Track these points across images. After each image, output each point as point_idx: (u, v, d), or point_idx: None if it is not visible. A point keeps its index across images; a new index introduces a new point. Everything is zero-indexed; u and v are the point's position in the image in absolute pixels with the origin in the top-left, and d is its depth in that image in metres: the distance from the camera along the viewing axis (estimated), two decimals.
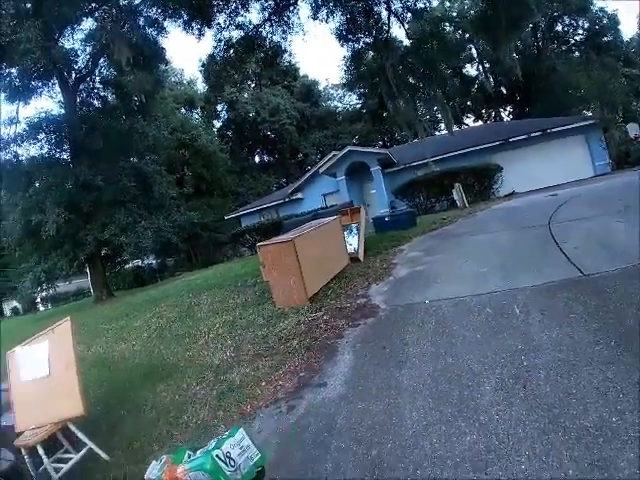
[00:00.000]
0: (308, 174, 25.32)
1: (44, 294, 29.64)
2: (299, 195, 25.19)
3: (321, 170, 22.48)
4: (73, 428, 3.91)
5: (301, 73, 46.83)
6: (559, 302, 4.37)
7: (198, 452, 1.49)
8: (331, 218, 9.16)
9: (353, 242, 9.32)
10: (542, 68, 32.40)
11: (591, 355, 3.29)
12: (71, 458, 3.88)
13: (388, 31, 14.19)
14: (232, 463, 1.35)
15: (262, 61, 16.95)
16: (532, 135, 19.44)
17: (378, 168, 20.82)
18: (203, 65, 18.58)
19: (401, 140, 37.51)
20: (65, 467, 3.77)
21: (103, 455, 3.88)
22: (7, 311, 49.04)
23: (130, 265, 29.01)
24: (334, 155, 22.24)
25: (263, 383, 4.47)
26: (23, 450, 3.67)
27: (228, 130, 43.27)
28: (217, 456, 1.36)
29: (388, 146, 37.62)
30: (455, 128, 38.48)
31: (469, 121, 42.88)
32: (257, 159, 47.54)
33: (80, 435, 3.91)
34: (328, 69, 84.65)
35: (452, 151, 20.38)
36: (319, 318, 5.96)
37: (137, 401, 4.99)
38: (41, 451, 3.65)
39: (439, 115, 33.82)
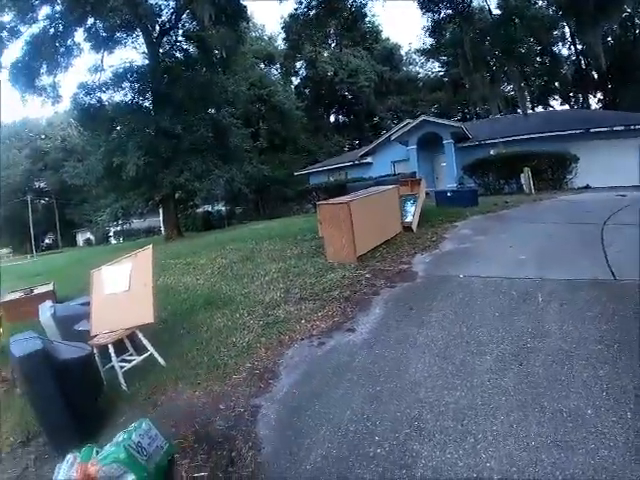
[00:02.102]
0: (380, 139, 25.25)
1: (118, 228, 32.38)
2: (369, 159, 25.19)
3: (393, 137, 22.39)
4: (140, 335, 4.73)
5: (383, 36, 45.60)
6: (581, 298, 4.58)
7: (106, 447, 1.46)
8: (390, 187, 9.55)
9: (409, 212, 9.68)
10: (637, 57, 29.68)
11: (591, 352, 3.54)
12: (134, 360, 4.70)
13: (470, 4, 13.79)
14: (144, 452, 1.39)
15: (342, 24, 16.98)
16: (615, 129, 18.15)
17: (451, 141, 20.42)
18: (284, 22, 18.88)
19: (482, 115, 36.02)
20: (128, 366, 4.57)
21: (160, 360, 4.68)
22: (80, 242, 53.78)
23: (201, 209, 30.93)
24: (408, 123, 22.04)
25: (303, 321, 5.15)
26: (95, 349, 4.43)
27: (305, 88, 43.29)
28: (129, 446, 1.38)
29: (468, 119, 36.36)
30: (539, 109, 36.46)
31: (555, 103, 40.21)
32: (332, 119, 47.34)
33: (145, 342, 4.71)
34: (411, 33, 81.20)
35: (528, 133, 19.49)
36: (362, 275, 6.53)
37: (195, 323, 5.83)
38: (111, 350, 4.42)
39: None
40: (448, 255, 7.28)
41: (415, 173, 18.69)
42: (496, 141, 19.55)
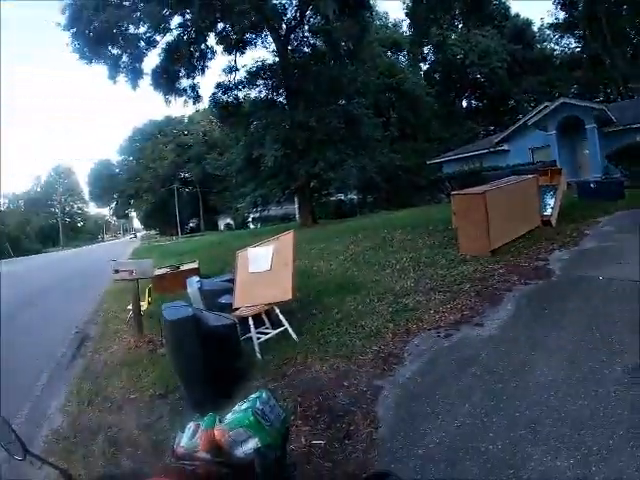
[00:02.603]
0: (516, 125, 23.49)
1: (256, 215, 34.78)
2: (505, 146, 23.50)
3: (530, 122, 20.70)
4: (277, 311, 5.13)
5: (512, 13, 41.84)
6: None
7: (228, 415, 1.48)
8: (528, 176, 9.03)
9: (548, 205, 9.06)
10: None
11: None
12: (269, 333, 5.11)
13: None
14: (267, 419, 1.40)
15: (468, 4, 16.11)
16: None
17: (594, 126, 18.27)
18: (408, 8, 18.43)
19: (627, 95, 31.56)
20: (264, 337, 4.99)
21: (294, 335, 5.02)
22: (221, 226, 59.01)
23: (334, 198, 31.88)
24: (546, 106, 20.28)
25: (431, 311, 5.16)
26: (236, 320, 4.84)
27: (435, 73, 41.77)
28: (255, 412, 1.40)
29: (611, 100, 32.13)
30: None
31: None
32: (464, 104, 45.17)
33: (281, 317, 5.09)
34: (542, 7, 73.32)
35: None
36: (495, 270, 6.32)
37: (327, 305, 6.14)
38: (251, 322, 4.86)
39: None
40: (588, 254, 6.76)
41: (555, 162, 17.13)
42: None
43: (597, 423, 2.81)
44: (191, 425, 1.49)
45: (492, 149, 23.91)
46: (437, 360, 4.02)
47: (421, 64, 42.31)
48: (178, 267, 9.62)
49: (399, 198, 30.19)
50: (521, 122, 22.89)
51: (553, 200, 9.05)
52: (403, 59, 40.89)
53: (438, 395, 3.44)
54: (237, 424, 1.38)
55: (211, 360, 3.97)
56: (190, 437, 1.42)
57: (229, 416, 1.45)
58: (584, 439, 2.68)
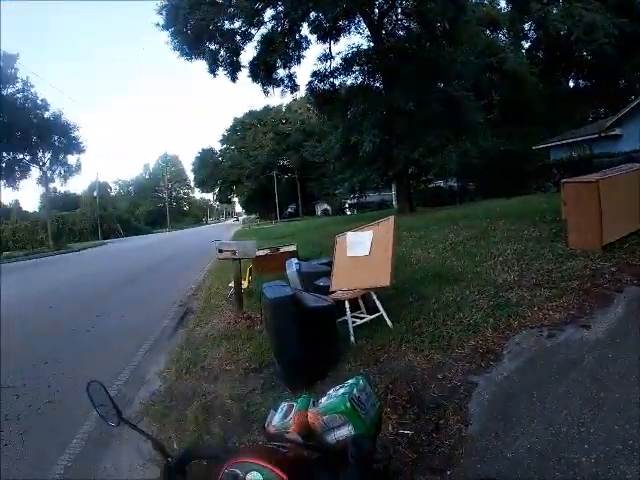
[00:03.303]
0: (629, 107, 21.22)
1: (354, 201, 35.02)
2: (617, 131, 21.54)
3: None
4: (374, 297, 5.16)
5: None
6: None
7: (323, 399, 1.44)
8: None
9: None
10: None
11: None
12: (365, 318, 5.17)
13: None
14: (363, 407, 1.36)
15: None
16: None
17: None
18: None
19: None
20: (359, 322, 5.05)
21: (389, 322, 5.03)
22: (318, 211, 60.41)
23: (433, 185, 31.12)
24: None
25: (535, 308, 4.90)
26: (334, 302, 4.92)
27: (538, 51, 38.68)
28: (352, 399, 1.35)
29: None
30: None
31: None
32: (571, 84, 41.51)
33: (377, 303, 5.12)
34: None
35: None
36: (606, 268, 5.85)
37: (424, 294, 6.07)
38: (347, 305, 4.93)
39: None
40: None
41: None
42: None
43: None
44: (284, 405, 1.48)
45: (603, 134, 21.86)
46: (537, 361, 3.83)
47: (522, 42, 39.30)
48: (278, 249, 9.98)
49: (502, 186, 28.53)
50: (634, 104, 20.75)
51: None
52: (503, 37, 38.36)
53: (535, 398, 3.29)
54: (332, 409, 1.36)
55: (307, 340, 4.10)
56: (283, 417, 1.42)
57: (324, 400, 1.43)
58: None
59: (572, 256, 6.53)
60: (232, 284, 7.31)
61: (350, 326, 4.90)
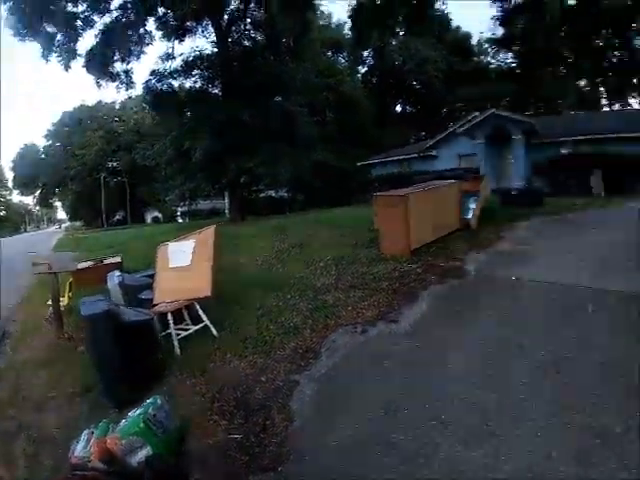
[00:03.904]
0: (446, 132, 24.51)
1: (185, 209, 33.82)
2: (434, 152, 24.37)
3: (459, 130, 21.71)
4: (197, 307, 5.11)
5: (453, 25, 43.65)
6: (634, 313, 4.29)
7: (122, 422, 1.41)
8: (450, 181, 9.46)
9: (469, 209, 9.50)
10: None
11: (635, 372, 3.31)
12: (189, 329, 5.08)
13: None
14: (161, 426, 1.35)
15: (411, 13, 16.67)
16: None
17: (520, 137, 19.40)
18: (352, 11, 18.69)
19: (556, 110, 34.04)
20: (183, 333, 4.96)
21: (214, 331, 5.03)
22: (148, 219, 56.99)
23: (264, 194, 31.65)
24: (475, 116, 21.33)
25: (349, 308, 5.31)
26: (155, 316, 4.81)
27: (373, 77, 42.80)
28: (147, 419, 1.34)
29: (541, 114, 34.48)
30: (616, 107, 33.80)
31: (634, 102, 36.90)
32: (399, 109, 46.58)
33: (201, 313, 5.08)
34: (482, 22, 77.21)
35: (604, 133, 18.08)
36: (413, 269, 6.58)
37: (249, 301, 6.16)
38: (170, 317, 4.80)
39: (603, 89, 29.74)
40: (503, 255, 7.20)
41: (478, 169, 18.13)
42: (568, 139, 18.53)
43: (505, 415, 3.00)
44: (86, 433, 1.44)
45: (422, 154, 24.84)
46: (352, 355, 4.17)
47: (360, 67, 43.10)
48: (101, 261, 9.24)
49: (330, 197, 30.63)
50: (451, 129, 23.89)
51: (474, 205, 9.53)
52: (343, 60, 41.46)
53: (352, 389, 3.58)
54: (128, 432, 1.32)
55: (128, 356, 3.92)
56: (84, 446, 1.38)
57: (122, 423, 1.38)
58: (493, 430, 2.86)
59: (383, 260, 7.23)
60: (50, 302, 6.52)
61: (175, 338, 4.78)
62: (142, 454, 1.13)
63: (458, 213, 9.12)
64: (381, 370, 3.79)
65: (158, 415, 1.21)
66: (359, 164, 28.63)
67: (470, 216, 9.29)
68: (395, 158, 26.51)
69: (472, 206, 9.50)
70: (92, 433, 1.36)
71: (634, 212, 10.81)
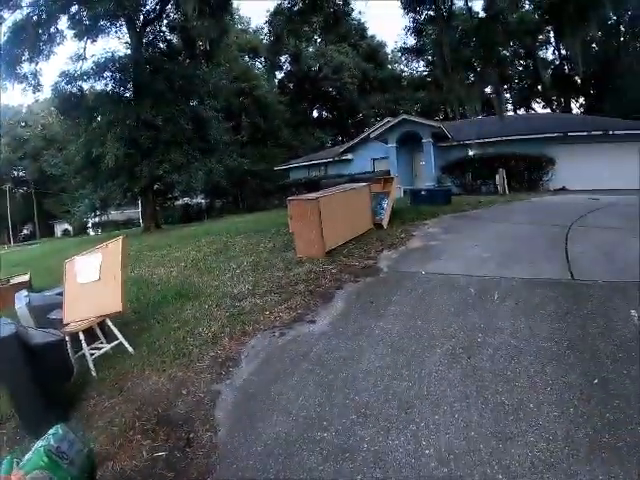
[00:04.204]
0: (360, 137, 25.33)
1: (96, 220, 32.15)
2: (349, 156, 25.25)
3: (373, 135, 22.48)
4: (110, 324, 4.98)
5: (369, 33, 45.64)
6: (536, 297, 4.81)
7: (27, 456, 1.37)
8: (360, 184, 9.84)
9: (381, 210, 9.92)
10: (620, 65, 30.34)
11: (539, 348, 3.72)
12: (103, 347, 4.95)
13: (451, 6, 14.03)
14: (65, 456, 1.33)
15: (327, 21, 17.11)
16: (593, 133, 18.44)
17: (430, 141, 20.46)
18: (269, 17, 18.87)
19: (464, 115, 36.38)
20: (98, 353, 4.82)
21: (129, 348, 4.93)
22: (58, 232, 53.37)
23: (180, 202, 30.91)
24: (388, 121, 22.24)
25: (267, 313, 5.42)
26: (67, 337, 4.64)
27: (289, 82, 43.17)
28: (49, 451, 1.31)
29: (450, 119, 36.63)
30: (521, 112, 37.00)
31: (537, 106, 40.95)
32: (315, 114, 47.17)
33: (114, 330, 4.96)
34: (396, 32, 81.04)
35: (507, 135, 19.72)
36: (328, 270, 6.81)
37: (165, 313, 6.08)
38: (82, 337, 4.66)
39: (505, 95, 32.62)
40: (414, 252, 7.57)
41: (389, 171, 19.04)
42: (475, 142, 19.94)
43: (422, 402, 3.21)
44: None
45: (337, 158, 25.64)
46: (272, 359, 4.28)
47: (277, 72, 43.32)
48: (8, 281, 8.67)
49: (248, 202, 30.65)
50: (365, 134, 24.81)
51: (386, 205, 9.97)
52: (260, 65, 41.50)
53: (273, 392, 3.68)
54: (33, 466, 1.29)
55: (39, 381, 3.78)
56: None
57: (26, 457, 1.35)
58: (412, 417, 3.05)
59: (300, 263, 7.42)
60: None
61: (89, 358, 4.65)
62: None
63: (370, 214, 9.51)
64: (301, 371, 3.93)
65: (61, 446, 1.18)
66: (276, 168, 28.94)
67: (381, 216, 9.72)
68: (312, 162, 27.18)
69: (384, 206, 9.95)
70: None
71: (535, 205, 12.02)
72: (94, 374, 4.56)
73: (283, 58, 40.48)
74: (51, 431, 1.30)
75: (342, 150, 25.97)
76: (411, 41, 36.04)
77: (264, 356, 4.37)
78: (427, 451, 2.76)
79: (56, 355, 4.18)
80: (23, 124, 54.95)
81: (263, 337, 4.80)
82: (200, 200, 32.73)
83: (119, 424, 3.58)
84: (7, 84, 20.20)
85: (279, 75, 43.86)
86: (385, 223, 9.60)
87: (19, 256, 23.11)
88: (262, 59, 40.78)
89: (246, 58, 38.96)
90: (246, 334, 4.93)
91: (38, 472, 1.24)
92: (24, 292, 6.20)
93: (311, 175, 25.14)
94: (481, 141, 19.84)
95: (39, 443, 1.36)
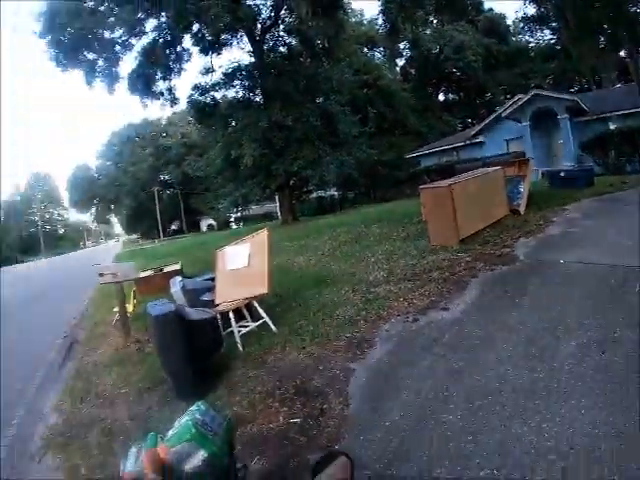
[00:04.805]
0: (491, 117, 24.06)
1: (238, 214, 34.86)
2: (480, 139, 24.09)
3: (504, 114, 21.34)
4: (256, 305, 5.43)
5: (485, 7, 42.59)
6: None
7: (169, 432, 1.40)
8: (494, 168, 9.37)
9: (516, 194, 9.40)
10: None
11: None
12: (249, 326, 5.41)
13: None
14: (210, 429, 1.35)
15: (438, 3, 16.47)
16: None
17: (566, 116, 18.83)
18: (382, 4, 18.68)
19: (601, 84, 32.36)
20: (244, 330, 5.30)
21: (273, 327, 5.33)
22: (204, 227, 59.04)
23: (314, 195, 32.23)
24: (519, 98, 20.83)
25: (401, 299, 5.48)
26: (218, 315, 5.15)
27: (411, 68, 42.44)
28: (196, 424, 1.33)
29: (587, 90, 32.93)
30: None
31: None
32: (441, 98, 45.84)
33: (260, 311, 5.39)
34: (514, 1, 74.06)
35: None
36: (462, 258, 6.67)
37: (305, 297, 6.47)
38: (231, 316, 5.15)
39: None
40: (553, 239, 7.10)
41: (524, 153, 17.67)
42: (615, 114, 17.76)
43: (550, 394, 3.06)
44: (133, 449, 1.42)
45: (468, 141, 24.52)
46: (404, 342, 4.32)
47: (397, 59, 42.76)
48: (161, 269, 9.81)
49: (379, 193, 30.59)
50: (496, 114, 23.47)
51: (522, 190, 9.41)
52: (379, 55, 41.28)
53: (404, 373, 3.72)
54: (180, 439, 1.33)
55: (194, 352, 4.22)
56: (135, 461, 1.36)
57: (170, 432, 1.40)
58: (538, 408, 2.92)
59: (433, 251, 7.35)
60: (117, 309, 7.08)
61: (237, 335, 5.11)
62: (197, 459, 1.20)
63: (506, 199, 9.03)
64: (432, 355, 3.92)
65: (205, 419, 1.30)
66: (406, 156, 28.48)
67: (518, 201, 9.19)
68: (442, 148, 26.36)
69: (520, 191, 9.38)
70: (140, 448, 1.33)
71: None
72: (240, 348, 5.01)
73: (402, 45, 39.79)
74: (193, 407, 1.39)
75: (473, 133, 24.85)
76: (531, 10, 32.83)
77: (397, 339, 4.43)
78: (548, 443, 2.61)
79: (209, 330, 4.66)
80: (164, 134, 61.81)
81: (397, 322, 4.86)
82: (333, 192, 33.76)
83: (261, 392, 3.90)
84: (146, 101, 22.80)
85: (400, 62, 43.33)
86: (522, 209, 9.07)
87: (168, 248, 26.11)
88: (381, 49, 40.50)
89: (365, 50, 38.95)
90: (381, 318, 5.04)
91: (186, 444, 1.29)
92: (178, 278, 7.01)
93: (442, 161, 24.42)
94: (622, 113, 17.61)
95: (184, 418, 1.42)
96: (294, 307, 6.18)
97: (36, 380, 5.93)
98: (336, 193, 34.00)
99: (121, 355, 6.01)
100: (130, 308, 7.47)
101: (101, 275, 6.79)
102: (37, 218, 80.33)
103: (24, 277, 28.92)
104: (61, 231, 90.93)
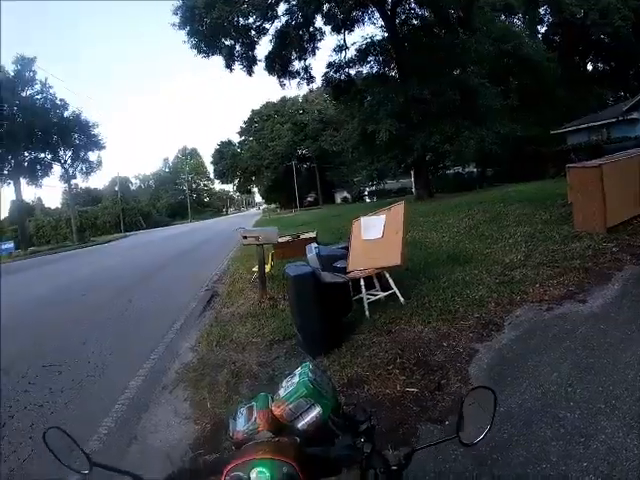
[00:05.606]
0: None
1: (372, 188, 35.24)
2: (634, 115, 21.34)
3: None
4: (387, 275, 5.58)
5: None
6: None
7: (280, 392, 1.37)
8: None
9: None
10: None
11: None
12: (378, 295, 5.61)
13: None
14: (322, 387, 1.31)
15: None
16: None
17: None
18: None
19: None
20: (373, 298, 5.50)
21: (401, 298, 5.46)
22: (338, 199, 60.89)
23: (451, 171, 31.13)
24: None
25: (537, 285, 5.28)
26: (349, 281, 5.34)
27: (554, 36, 38.00)
28: (310, 381, 1.30)
29: None
30: None
31: None
32: (589, 67, 40.65)
33: (390, 281, 5.53)
34: None
35: None
36: (608, 248, 6.18)
37: (436, 273, 6.51)
38: (362, 283, 5.35)
39: None
40: None
41: None
42: None
43: None
44: (243, 409, 1.41)
45: (621, 117, 21.61)
46: (534, 331, 4.19)
47: (538, 27, 38.47)
48: (298, 236, 10.33)
49: (521, 171, 28.27)
50: None
51: None
52: (518, 22, 37.64)
53: (529, 363, 3.62)
54: (297, 396, 1.33)
55: (325, 312, 4.54)
56: (245, 421, 1.36)
57: (282, 392, 1.38)
58: None
59: (577, 238, 6.89)
60: (255, 269, 7.80)
61: (365, 302, 5.33)
62: (310, 416, 1.29)
63: None
64: (561, 348, 3.76)
65: (316, 378, 1.39)
66: (552, 132, 26.04)
67: None
68: (591, 124, 23.85)
69: None
70: (251, 407, 1.43)
71: None
72: (367, 315, 5.23)
73: (542, 10, 35.69)
74: (302, 369, 1.46)
75: (625, 108, 21.92)
76: None
77: (527, 327, 4.30)
78: None
79: (340, 293, 4.96)
80: (301, 111, 64.45)
81: (529, 308, 4.71)
82: (472, 169, 32.36)
83: (382, 357, 4.06)
84: (284, 81, 23.69)
85: (542, 29, 38.91)
86: None
87: (304, 218, 27.45)
88: (519, 15, 36.74)
89: (502, 17, 35.61)
90: (513, 303, 4.91)
91: (302, 400, 1.30)
92: (314, 244, 7.41)
93: (591, 139, 21.90)
94: None
95: (295, 378, 1.45)
96: (424, 282, 6.24)
97: (177, 325, 6.67)
98: (475, 170, 32.35)
99: (256, 309, 6.56)
100: (268, 268, 8.10)
101: (244, 237, 7.39)
102: (185, 187, 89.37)
103: (174, 236, 32.59)
104: (206, 199, 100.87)
